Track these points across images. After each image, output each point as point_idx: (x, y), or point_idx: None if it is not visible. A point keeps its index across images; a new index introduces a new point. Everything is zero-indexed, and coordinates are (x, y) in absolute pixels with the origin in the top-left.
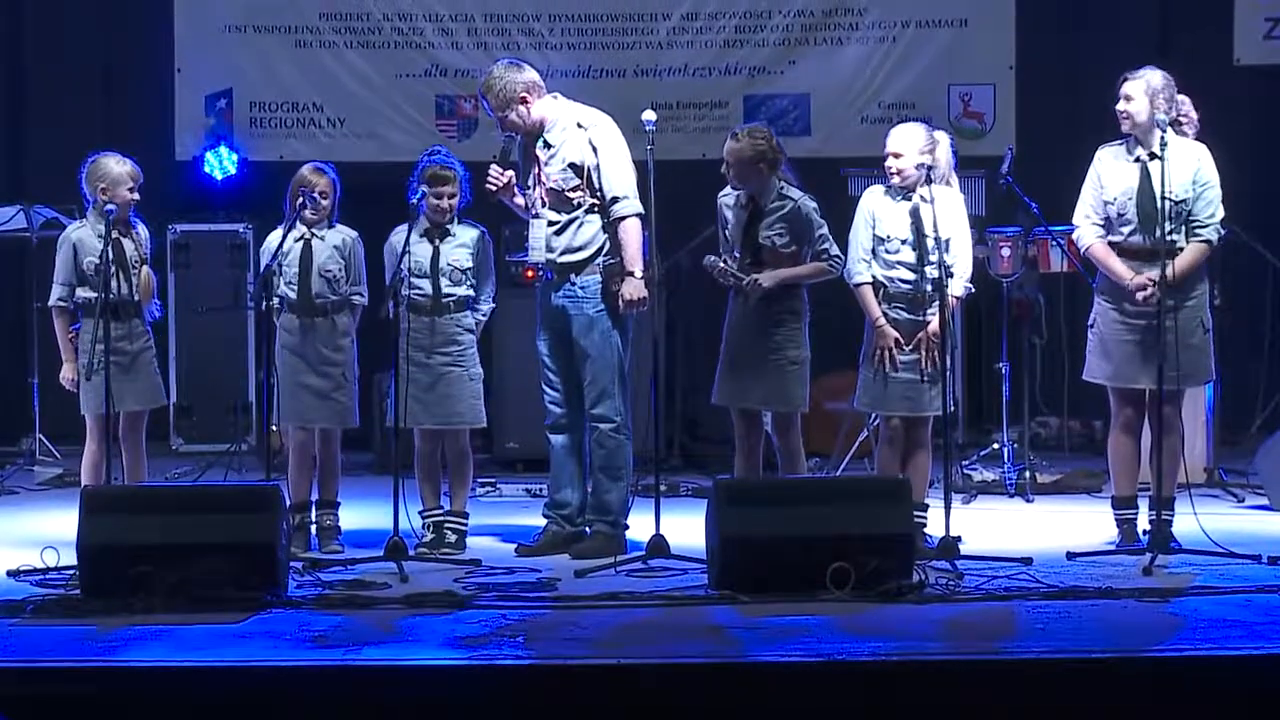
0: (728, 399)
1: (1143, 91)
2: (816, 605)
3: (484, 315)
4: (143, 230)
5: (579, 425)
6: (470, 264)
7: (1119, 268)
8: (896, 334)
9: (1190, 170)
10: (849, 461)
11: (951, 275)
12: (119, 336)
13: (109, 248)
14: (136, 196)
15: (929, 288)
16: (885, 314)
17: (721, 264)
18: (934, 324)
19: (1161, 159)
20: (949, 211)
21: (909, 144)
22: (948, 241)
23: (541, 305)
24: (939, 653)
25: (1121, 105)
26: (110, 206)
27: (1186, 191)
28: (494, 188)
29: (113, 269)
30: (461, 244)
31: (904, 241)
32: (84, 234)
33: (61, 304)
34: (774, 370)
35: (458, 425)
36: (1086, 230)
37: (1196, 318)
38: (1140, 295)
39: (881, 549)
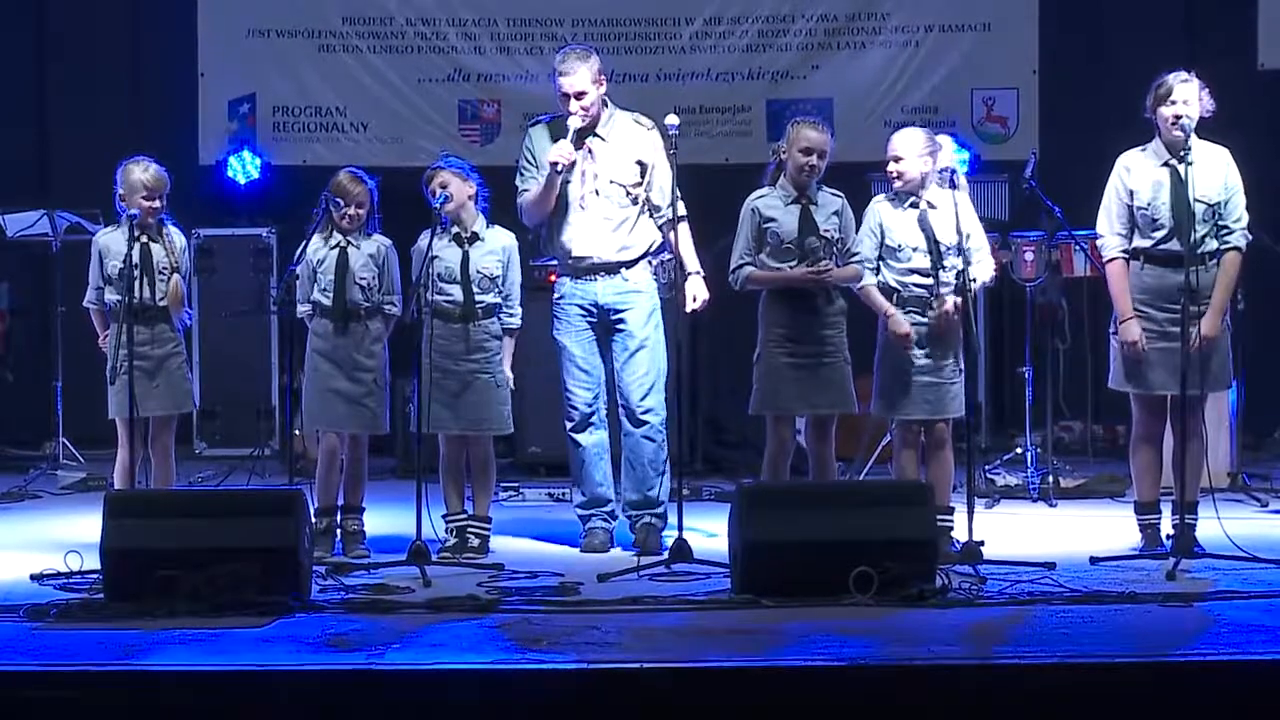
0: (798, 405)
1: (1196, 96)
2: (839, 610)
3: (515, 327)
4: (177, 237)
5: (605, 422)
6: (499, 271)
7: (1121, 301)
8: (909, 325)
9: (1221, 173)
10: (872, 466)
11: (970, 264)
12: (143, 341)
13: (131, 253)
14: (156, 204)
15: (946, 289)
16: None
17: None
18: (949, 303)
19: (1189, 162)
20: (962, 211)
21: (909, 148)
22: (968, 236)
23: (577, 302)
24: (962, 657)
25: (1180, 109)
26: (134, 212)
27: (1218, 195)
28: (563, 162)
29: (137, 273)
30: (490, 250)
31: (915, 249)
32: (112, 238)
33: (92, 305)
34: (837, 372)
35: (486, 432)
36: (1110, 242)
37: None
38: (1126, 346)
39: (904, 553)
